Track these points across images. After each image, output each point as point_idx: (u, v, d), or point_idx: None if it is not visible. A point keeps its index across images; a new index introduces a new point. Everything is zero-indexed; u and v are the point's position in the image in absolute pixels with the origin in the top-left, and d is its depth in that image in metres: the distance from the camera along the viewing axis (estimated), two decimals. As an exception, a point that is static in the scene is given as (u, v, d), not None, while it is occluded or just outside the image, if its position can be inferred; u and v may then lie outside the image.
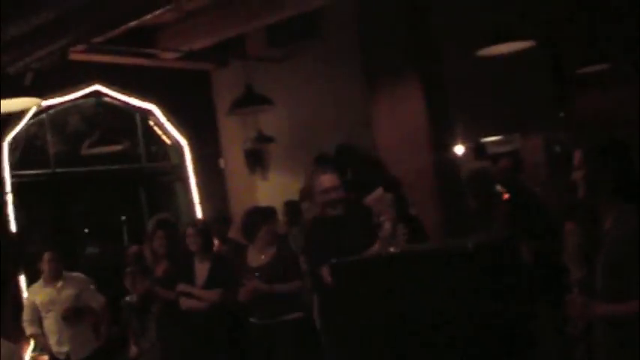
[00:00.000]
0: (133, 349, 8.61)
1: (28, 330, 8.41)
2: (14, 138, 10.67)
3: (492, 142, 12.80)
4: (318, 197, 6.09)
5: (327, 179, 5.97)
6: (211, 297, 7.44)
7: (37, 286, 8.54)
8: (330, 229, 5.55)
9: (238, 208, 11.04)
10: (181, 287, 7.63)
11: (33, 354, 9.94)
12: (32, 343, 9.92)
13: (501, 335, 3.76)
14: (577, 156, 4.04)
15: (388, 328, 3.91)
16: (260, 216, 7.40)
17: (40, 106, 9.21)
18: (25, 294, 9.04)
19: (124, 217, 10.87)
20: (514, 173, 7.52)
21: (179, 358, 7.77)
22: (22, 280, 10.07)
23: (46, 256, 8.33)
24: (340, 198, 5.77)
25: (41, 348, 9.33)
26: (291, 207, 9.67)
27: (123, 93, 11.93)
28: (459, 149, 12.61)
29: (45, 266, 8.32)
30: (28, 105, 6.55)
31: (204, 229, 7.90)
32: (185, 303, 7.61)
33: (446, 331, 3.71)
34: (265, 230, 7.28)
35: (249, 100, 9.78)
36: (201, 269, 7.60)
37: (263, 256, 7.28)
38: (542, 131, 11.54)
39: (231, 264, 7.72)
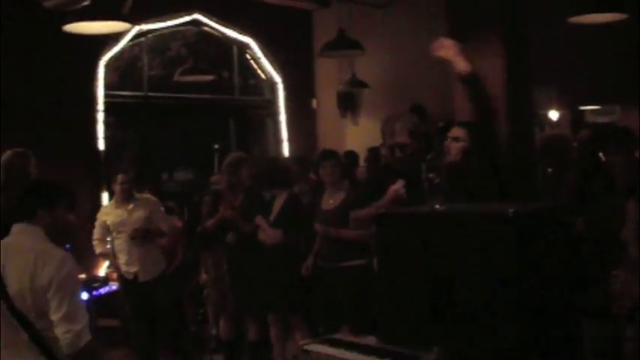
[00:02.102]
0: (203, 277, 8.78)
1: (98, 249, 8.61)
2: (112, 58, 10.89)
3: (591, 111, 12.61)
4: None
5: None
6: (274, 236, 7.51)
7: (108, 206, 8.75)
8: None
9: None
10: (258, 220, 7.70)
11: (108, 270, 10.28)
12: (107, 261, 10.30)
13: (538, 307, 3.70)
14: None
15: (424, 282, 3.91)
16: (325, 158, 7.44)
17: (136, 30, 9.36)
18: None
19: (216, 146, 10.95)
20: (592, 145, 7.36)
21: (245, 290, 7.87)
22: (105, 197, 10.41)
23: (119, 178, 8.42)
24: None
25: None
26: (373, 153, 9.69)
27: (222, 24, 12.03)
28: (554, 115, 12.45)
29: (117, 187, 8.44)
30: (117, 29, 6.65)
31: (281, 167, 8.01)
32: (260, 235, 7.69)
33: (479, 294, 3.69)
34: (325, 173, 7.34)
35: (341, 44, 9.78)
36: (277, 205, 7.66)
37: (332, 201, 7.31)
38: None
39: (303, 205, 7.76)
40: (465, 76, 5.16)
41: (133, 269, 8.35)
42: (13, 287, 3.95)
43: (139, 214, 8.28)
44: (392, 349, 3.92)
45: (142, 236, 8.19)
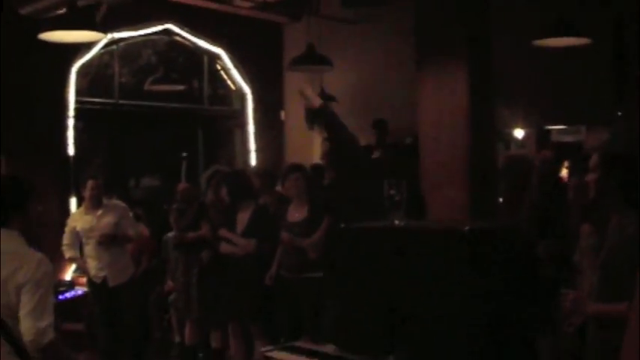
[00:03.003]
0: (169, 284, 8.87)
1: (68, 253, 8.68)
2: (84, 65, 10.97)
3: (557, 131, 12.77)
4: None
5: None
6: (247, 246, 7.60)
7: (78, 212, 8.83)
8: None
9: (293, 161, 11.19)
10: (222, 232, 7.81)
11: (75, 274, 10.34)
12: (74, 265, 10.35)
13: (491, 321, 3.84)
14: (593, 159, 4.14)
15: (381, 294, 4.06)
16: (291, 171, 7.59)
17: (108, 38, 9.42)
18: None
19: (184, 154, 11.03)
20: (553, 166, 7.53)
21: (211, 299, 7.98)
22: (73, 202, 10.48)
23: (89, 184, 8.51)
24: None
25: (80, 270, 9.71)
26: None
27: (193, 34, 12.14)
28: (519, 133, 12.61)
29: (87, 193, 8.52)
30: (92, 38, 6.76)
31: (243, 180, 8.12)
32: (225, 248, 7.79)
33: (434, 307, 3.83)
34: (290, 186, 7.49)
35: (309, 59, 9.90)
36: (242, 217, 7.76)
37: (297, 214, 7.44)
38: (609, 125, 11.46)
39: (271, 216, 7.87)
40: (317, 110, 5.51)
41: (102, 274, 8.45)
42: None
43: (108, 219, 8.36)
44: (350, 357, 4.05)
45: (110, 241, 8.28)
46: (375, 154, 9.59)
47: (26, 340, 3.96)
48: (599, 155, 4.12)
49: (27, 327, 3.95)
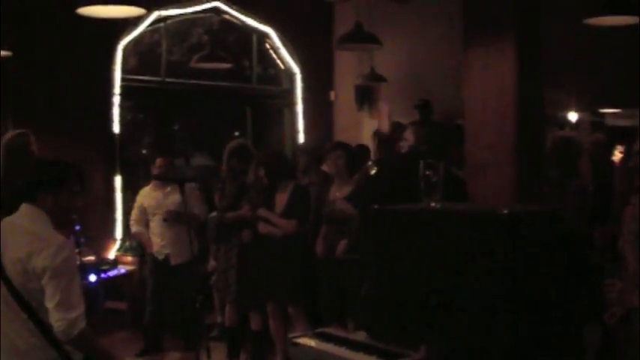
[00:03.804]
0: (211, 264, 8.81)
1: (134, 228, 8.82)
2: (132, 43, 10.93)
3: (612, 114, 12.52)
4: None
5: None
6: (286, 226, 7.52)
7: (147, 189, 8.84)
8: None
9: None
10: (261, 212, 7.73)
11: (118, 253, 10.35)
12: (118, 243, 10.36)
13: (532, 313, 3.69)
14: (637, 143, 3.96)
15: (416, 280, 3.93)
16: (333, 149, 7.48)
17: (156, 15, 9.35)
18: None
19: (237, 133, 10.93)
20: (605, 150, 7.34)
21: (250, 281, 7.90)
22: (118, 180, 10.48)
23: (158, 161, 8.57)
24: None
25: (136, 247, 9.93)
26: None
27: (242, 13, 12.05)
28: (573, 116, 12.38)
29: (156, 171, 8.56)
30: (131, 13, 6.62)
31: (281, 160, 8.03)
32: (263, 228, 7.71)
33: (471, 293, 3.69)
34: (331, 164, 7.38)
35: (357, 37, 9.72)
36: (281, 198, 7.67)
37: (338, 193, 7.32)
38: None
39: (309, 194, 7.77)
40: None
41: (165, 251, 8.54)
42: (9, 268, 3.95)
43: (175, 197, 8.34)
44: (380, 347, 3.92)
45: (174, 219, 8.28)
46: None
47: (57, 331, 3.89)
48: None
49: (57, 319, 3.87)
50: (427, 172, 4.09)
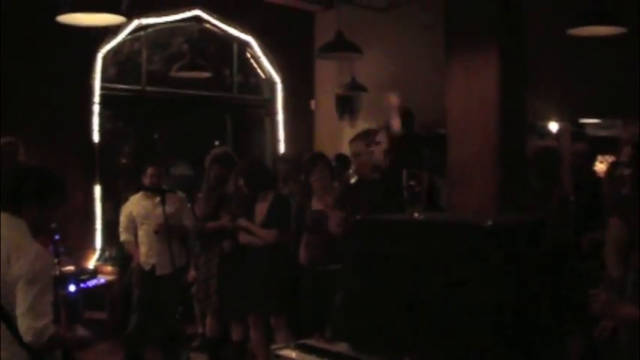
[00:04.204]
0: (192, 273, 8.76)
1: (123, 236, 8.73)
2: (111, 52, 10.88)
3: (592, 125, 12.53)
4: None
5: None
6: (266, 236, 7.48)
7: (137, 197, 8.77)
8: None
9: (322, 150, 11.05)
10: (241, 221, 7.69)
11: (97, 262, 10.28)
12: (98, 253, 10.28)
13: (517, 323, 3.66)
14: (626, 153, 3.93)
15: (399, 291, 3.89)
16: (314, 162, 7.44)
17: (136, 24, 9.31)
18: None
19: (217, 143, 10.89)
20: (587, 160, 7.33)
21: (231, 292, 7.84)
22: (98, 190, 10.40)
23: (149, 170, 8.48)
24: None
25: (116, 257, 9.92)
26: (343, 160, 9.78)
27: (223, 22, 12.01)
28: (553, 126, 12.39)
29: (146, 180, 8.49)
30: (112, 21, 6.59)
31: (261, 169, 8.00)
32: (243, 238, 7.67)
33: (455, 305, 3.65)
34: (317, 178, 7.33)
35: (339, 46, 9.71)
36: (261, 207, 7.64)
37: (319, 203, 7.29)
38: (644, 120, 11.21)
39: (290, 204, 7.74)
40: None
41: (152, 261, 8.48)
42: None
43: (166, 208, 8.31)
44: (362, 358, 3.88)
45: (165, 232, 8.20)
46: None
47: (25, 340, 3.86)
48: (633, 148, 3.90)
49: (24, 327, 3.86)
50: (411, 183, 4.05)
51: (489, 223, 3.62)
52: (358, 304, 4.17)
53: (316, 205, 7.34)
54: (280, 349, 4.20)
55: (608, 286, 4.63)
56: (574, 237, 5.99)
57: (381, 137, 5.56)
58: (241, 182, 7.82)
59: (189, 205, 8.75)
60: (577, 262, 5.73)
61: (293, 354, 4.08)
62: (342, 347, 4.07)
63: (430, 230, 3.94)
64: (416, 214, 4.02)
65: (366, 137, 6.40)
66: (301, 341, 4.32)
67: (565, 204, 6.23)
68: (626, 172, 3.91)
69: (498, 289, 3.59)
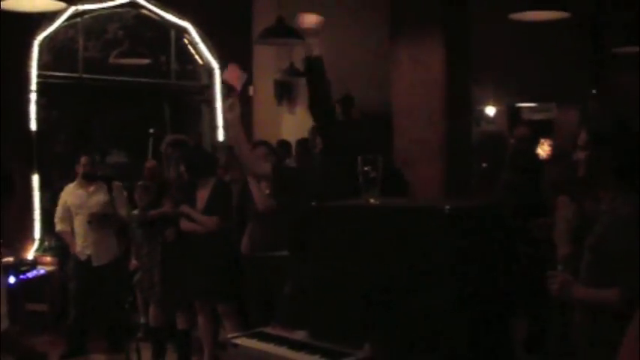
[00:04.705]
0: (133, 263, 8.68)
1: (58, 226, 8.65)
2: (47, 39, 10.69)
3: (528, 109, 12.69)
4: None
5: None
6: (208, 223, 7.43)
7: (71, 186, 8.68)
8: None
9: (261, 137, 10.98)
10: (183, 208, 7.63)
11: (37, 253, 10.12)
12: (37, 243, 10.12)
13: (467, 306, 3.67)
14: (582, 136, 3.96)
15: (357, 277, 3.89)
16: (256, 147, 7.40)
17: (72, 10, 9.19)
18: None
19: (151, 130, 10.77)
20: (529, 143, 7.39)
21: (175, 280, 7.77)
22: (36, 179, 10.24)
23: (82, 160, 8.47)
24: None
25: (55, 247, 9.83)
26: (303, 145, 9.72)
27: (160, 8, 11.88)
28: (490, 110, 12.52)
29: (80, 169, 8.47)
30: (53, 7, 6.52)
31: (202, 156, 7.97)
32: (185, 225, 7.62)
33: (413, 290, 3.66)
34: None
35: (279, 32, 9.63)
36: (202, 194, 7.58)
37: (267, 189, 7.24)
38: (580, 104, 11.35)
39: (232, 190, 7.70)
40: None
41: (88, 252, 8.42)
42: None
43: (99, 197, 8.33)
44: (322, 346, 3.86)
45: (99, 221, 8.13)
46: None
47: None
48: (587, 132, 3.93)
49: None
50: (365, 168, 4.04)
51: (447, 207, 3.64)
52: (315, 291, 4.16)
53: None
54: (237, 337, 4.16)
55: (565, 266, 4.68)
56: (522, 221, 6.04)
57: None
58: (182, 169, 7.78)
59: (125, 194, 8.66)
60: (528, 246, 5.77)
61: (251, 342, 4.04)
62: (300, 335, 4.04)
63: (386, 215, 3.94)
64: (372, 200, 4.01)
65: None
66: (258, 329, 4.29)
67: (510, 188, 6.28)
68: (581, 155, 3.93)
69: (455, 273, 3.60)
